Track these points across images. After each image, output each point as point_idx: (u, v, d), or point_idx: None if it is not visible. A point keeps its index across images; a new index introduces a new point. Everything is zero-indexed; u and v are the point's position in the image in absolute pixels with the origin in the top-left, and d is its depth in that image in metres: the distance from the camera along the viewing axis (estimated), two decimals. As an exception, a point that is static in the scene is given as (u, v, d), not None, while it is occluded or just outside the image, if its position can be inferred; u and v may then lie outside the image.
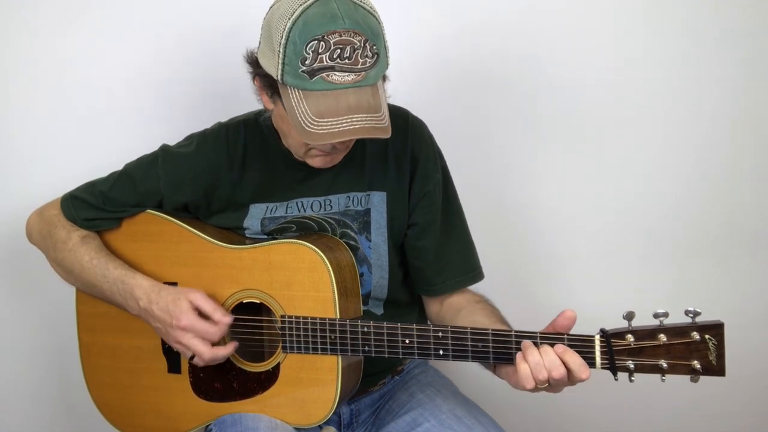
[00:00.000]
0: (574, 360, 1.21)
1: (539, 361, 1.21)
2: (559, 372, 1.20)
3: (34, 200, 1.61)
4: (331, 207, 1.49)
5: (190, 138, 1.54)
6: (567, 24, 1.86)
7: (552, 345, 1.22)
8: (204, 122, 1.57)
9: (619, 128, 1.89)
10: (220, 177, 1.49)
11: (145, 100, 1.86)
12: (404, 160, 1.49)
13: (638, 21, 1.86)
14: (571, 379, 1.22)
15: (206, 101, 1.84)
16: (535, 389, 1.24)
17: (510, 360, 1.26)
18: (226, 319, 1.39)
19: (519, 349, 1.25)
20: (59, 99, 1.84)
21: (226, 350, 1.40)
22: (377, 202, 1.49)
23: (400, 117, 1.49)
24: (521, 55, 1.87)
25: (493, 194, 1.92)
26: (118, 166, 1.55)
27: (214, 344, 1.40)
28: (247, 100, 1.51)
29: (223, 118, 1.56)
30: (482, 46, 1.87)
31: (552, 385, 1.23)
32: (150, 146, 1.55)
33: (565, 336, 1.23)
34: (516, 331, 1.27)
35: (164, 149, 1.53)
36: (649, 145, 1.90)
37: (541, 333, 1.25)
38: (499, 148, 1.92)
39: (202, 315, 1.39)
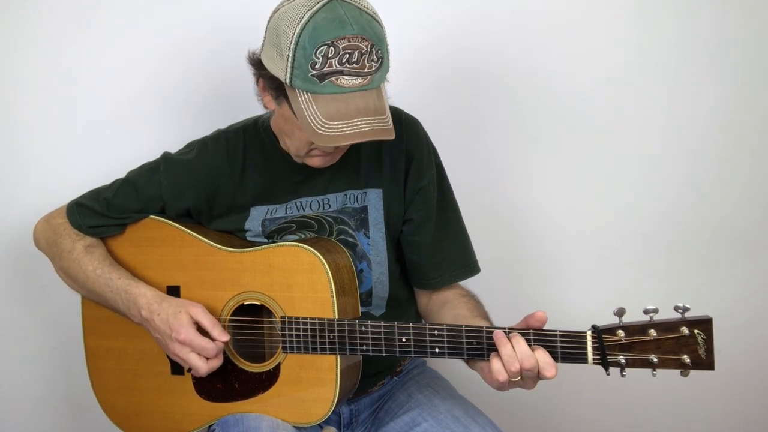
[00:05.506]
0: (544, 358, 1.24)
1: (511, 353, 1.24)
2: (530, 362, 1.23)
3: (42, 206, 1.63)
4: (329, 206, 1.51)
5: (191, 146, 1.56)
6: (561, 26, 1.88)
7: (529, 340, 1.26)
8: (204, 130, 1.59)
9: (612, 130, 1.90)
10: (221, 183, 1.52)
11: (147, 109, 1.87)
12: (399, 158, 1.51)
13: (632, 24, 1.88)
14: (540, 374, 1.25)
15: (206, 109, 1.86)
16: (508, 382, 1.26)
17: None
18: (224, 337, 1.41)
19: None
20: (65, 108, 1.86)
21: (219, 360, 1.42)
22: (373, 199, 1.51)
23: (393, 115, 1.48)
24: (515, 57, 1.88)
25: (487, 195, 1.93)
26: (122, 174, 1.57)
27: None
28: (246, 107, 1.54)
29: (223, 126, 1.58)
30: (476, 48, 1.89)
31: (524, 379, 1.25)
32: (152, 154, 1.57)
33: (558, 332, 1.26)
34: (509, 328, 1.29)
35: (165, 157, 1.55)
36: (642, 147, 1.91)
37: (534, 330, 1.27)
38: (493, 150, 1.93)
39: (201, 329, 1.41)
